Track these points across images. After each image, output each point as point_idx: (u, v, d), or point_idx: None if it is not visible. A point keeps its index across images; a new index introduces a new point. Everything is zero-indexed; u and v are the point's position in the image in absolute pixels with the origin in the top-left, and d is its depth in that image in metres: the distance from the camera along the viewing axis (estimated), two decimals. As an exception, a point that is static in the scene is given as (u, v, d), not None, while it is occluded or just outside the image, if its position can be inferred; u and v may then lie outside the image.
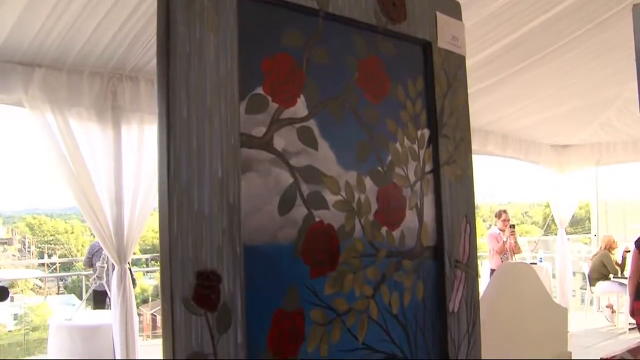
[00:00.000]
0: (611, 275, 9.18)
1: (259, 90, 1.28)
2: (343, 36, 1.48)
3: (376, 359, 1.46)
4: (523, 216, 36.26)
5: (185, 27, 1.18)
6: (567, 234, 9.32)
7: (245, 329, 1.20)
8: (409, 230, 1.55)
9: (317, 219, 1.34)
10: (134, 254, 6.84)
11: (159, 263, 1.21)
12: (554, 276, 9.53)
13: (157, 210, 1.20)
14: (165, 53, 1.16)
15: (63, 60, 4.09)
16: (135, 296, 5.03)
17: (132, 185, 4.35)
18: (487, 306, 2.16)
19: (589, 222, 13.18)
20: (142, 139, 4.41)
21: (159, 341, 1.18)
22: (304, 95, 1.36)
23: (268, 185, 1.28)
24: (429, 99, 1.65)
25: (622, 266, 9.19)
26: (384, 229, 1.49)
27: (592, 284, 9.41)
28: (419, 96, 1.63)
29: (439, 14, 1.69)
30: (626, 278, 6.88)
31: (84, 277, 9.91)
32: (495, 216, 8.78)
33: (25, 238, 37.78)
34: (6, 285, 4.85)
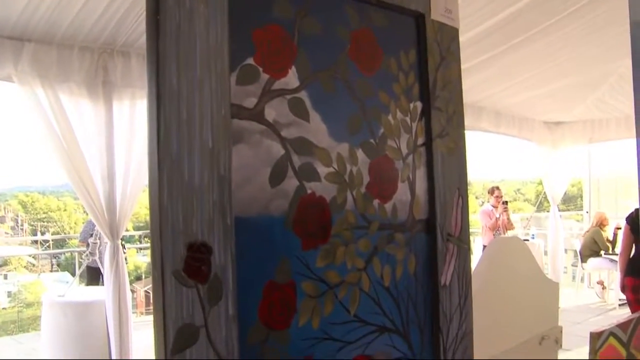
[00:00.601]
0: (602, 252, 9.23)
1: (250, 61, 1.27)
2: (335, 7, 1.46)
3: (368, 332, 1.46)
4: (515, 193, 36.38)
5: (175, -3, 1.16)
6: (559, 211, 9.35)
7: (236, 300, 1.19)
8: (401, 203, 1.54)
9: (308, 191, 1.34)
10: (127, 230, 6.83)
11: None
12: (545, 253, 9.57)
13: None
14: (154, 23, 1.14)
15: (52, 34, 4.04)
16: (129, 273, 5.04)
17: (124, 161, 4.32)
18: (478, 280, 2.16)
19: (581, 200, 13.24)
20: (134, 115, 4.38)
21: (152, 318, 1.17)
22: (295, 67, 1.35)
23: (259, 157, 1.27)
24: (422, 71, 1.64)
25: (614, 243, 9.25)
26: (375, 202, 1.48)
27: (583, 260, 9.46)
28: (411, 69, 1.62)
29: (432, -15, 1.67)
30: (617, 255, 6.93)
31: (77, 254, 9.91)
32: (488, 192, 8.79)
33: (17, 216, 37.70)
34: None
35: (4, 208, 38.57)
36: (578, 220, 14.46)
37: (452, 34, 1.74)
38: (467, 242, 1.69)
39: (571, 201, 21.46)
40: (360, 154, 1.46)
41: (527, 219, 11.90)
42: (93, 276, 7.58)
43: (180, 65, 1.16)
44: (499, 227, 8.18)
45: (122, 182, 4.31)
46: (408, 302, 1.55)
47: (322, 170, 1.37)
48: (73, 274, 7.27)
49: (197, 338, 1.15)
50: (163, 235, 1.13)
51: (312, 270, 1.34)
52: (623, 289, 5.42)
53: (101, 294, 4.64)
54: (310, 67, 1.38)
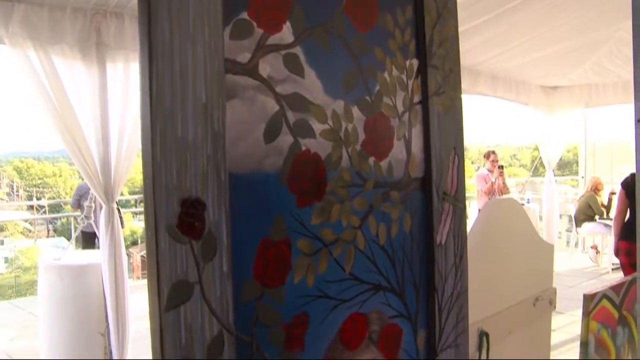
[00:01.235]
0: (597, 217, 9.27)
1: (244, 16, 1.24)
2: (331, -39, 1.43)
3: (363, 290, 1.46)
4: (511, 159, 36.42)
5: (166, -53, 1.13)
6: (554, 176, 9.36)
7: (230, 257, 1.19)
8: (396, 161, 1.53)
9: (303, 148, 1.32)
10: (122, 195, 6.83)
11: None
12: (540, 218, 9.61)
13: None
14: (146, -24, 1.12)
15: (44, -5, 3.98)
16: (125, 238, 5.04)
17: (118, 124, 4.29)
18: (474, 240, 2.16)
19: (577, 165, 13.26)
20: (128, 77, 4.34)
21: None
22: (290, 22, 1.32)
23: (253, 113, 1.25)
24: (418, 28, 1.62)
25: (608, 208, 9.29)
26: (371, 160, 1.47)
27: (577, 225, 9.51)
28: (408, 25, 1.59)
29: (429, -60, 1.63)
30: (611, 219, 6.95)
31: (73, 219, 9.92)
32: (484, 157, 8.77)
33: (13, 182, 37.64)
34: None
35: (-1, 174, 38.49)
36: (573, 186, 14.48)
37: (449, -10, 1.71)
38: (463, 201, 1.69)
39: (566, 167, 21.50)
40: (355, 111, 1.44)
41: (523, 183, 11.91)
42: (89, 240, 7.60)
43: (172, 19, 1.14)
44: (494, 191, 8.19)
45: (117, 145, 4.29)
46: (403, 260, 1.55)
47: (317, 127, 1.36)
48: (69, 239, 7.28)
49: (191, 295, 1.15)
50: (156, 191, 1.12)
51: (307, 227, 1.33)
52: (617, 253, 5.45)
53: (97, 257, 4.64)
54: (305, 22, 1.35)
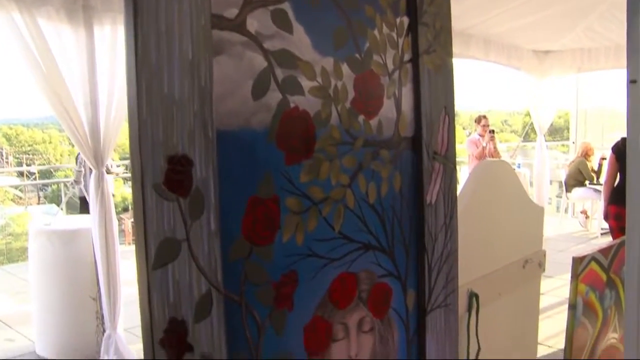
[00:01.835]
0: (587, 182, 9.30)
1: (231, -30, 1.22)
2: None
3: (352, 249, 1.45)
4: (502, 124, 36.40)
5: None
6: (545, 141, 9.36)
7: (218, 215, 1.18)
8: (386, 119, 1.52)
9: (292, 105, 1.31)
10: (113, 160, 6.80)
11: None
12: (531, 184, 9.63)
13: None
14: None
15: (28, -45, 3.90)
16: (116, 204, 5.02)
17: (107, 87, 4.23)
18: (464, 201, 2.16)
19: (568, 132, 13.25)
20: (116, 40, 4.26)
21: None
22: (278, -24, 1.30)
23: (241, 69, 1.23)
24: (409, -15, 1.59)
25: (598, 173, 9.30)
26: (361, 118, 1.45)
27: (567, 190, 9.53)
28: (398, -19, 1.57)
29: None
30: (601, 185, 6.95)
31: (63, 185, 9.89)
32: (475, 122, 8.73)
33: (2, 149, 37.39)
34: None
35: (-13, 141, 38.20)
36: (564, 152, 14.51)
37: (440, -54, 1.68)
38: (453, 161, 1.68)
39: (557, 133, 21.51)
40: (345, 68, 1.42)
41: (514, 148, 11.92)
42: (85, 206, 7.53)
43: (157, -27, 1.11)
44: (485, 156, 8.16)
45: (106, 109, 4.23)
46: (393, 219, 1.54)
47: (306, 84, 1.34)
48: (61, 209, 7.26)
49: (179, 252, 1.14)
50: (143, 148, 1.10)
51: (296, 185, 1.32)
52: (606, 217, 5.47)
53: (87, 222, 4.62)
54: (293, -23, 1.32)
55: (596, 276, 3.42)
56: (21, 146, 36.72)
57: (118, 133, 4.32)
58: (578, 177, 9.30)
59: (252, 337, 1.27)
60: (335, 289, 1.41)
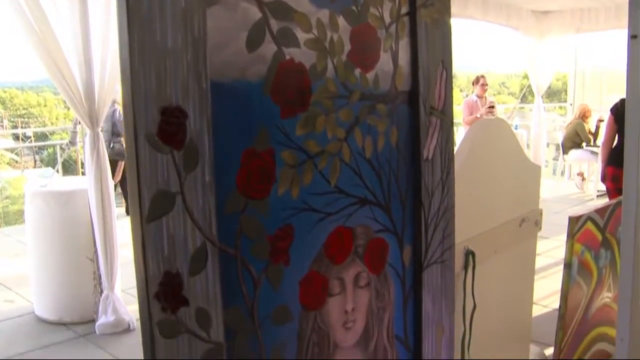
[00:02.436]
0: (584, 144, 9.29)
1: None
2: None
3: (348, 203, 1.44)
4: (500, 87, 36.24)
5: None
6: (543, 103, 9.32)
7: (213, 168, 1.16)
8: (383, 73, 1.50)
9: (287, 57, 1.28)
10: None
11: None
12: (528, 146, 9.61)
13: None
14: None
15: None
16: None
17: (101, 47, 4.18)
18: (461, 158, 2.15)
19: (566, 94, 13.19)
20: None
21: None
22: None
23: (235, 20, 1.21)
24: None
25: (595, 135, 9.28)
26: (357, 71, 1.43)
27: (564, 152, 9.52)
28: None
29: None
30: (598, 147, 6.93)
31: (59, 148, 9.85)
32: (473, 83, 8.55)
33: (-4, 112, 37.15)
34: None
35: (-19, 105, 37.92)
36: (561, 115, 14.47)
37: None
38: (451, 116, 1.66)
39: (555, 95, 21.42)
40: (341, 20, 1.39)
41: (511, 110, 11.87)
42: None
43: None
44: None
45: (100, 69, 4.19)
46: (390, 174, 1.53)
47: (302, 36, 1.31)
48: (57, 170, 7.22)
49: (173, 205, 1.13)
50: (135, 99, 1.08)
51: (292, 138, 1.30)
52: (603, 179, 5.47)
53: (83, 183, 4.61)
54: None
55: (592, 236, 3.43)
56: (16, 110, 36.47)
57: (113, 94, 4.29)
58: (575, 139, 9.28)
59: (247, 291, 1.27)
60: (332, 243, 1.41)
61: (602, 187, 5.99)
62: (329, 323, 1.44)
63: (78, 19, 4.10)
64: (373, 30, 1.47)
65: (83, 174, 7.50)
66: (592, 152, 8.88)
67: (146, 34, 1.09)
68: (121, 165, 7.11)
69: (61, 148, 9.15)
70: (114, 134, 6.98)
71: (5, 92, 37.19)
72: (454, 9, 1.71)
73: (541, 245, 3.81)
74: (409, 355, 1.68)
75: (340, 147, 1.40)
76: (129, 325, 4.46)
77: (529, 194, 2.74)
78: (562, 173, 10.40)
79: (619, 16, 7.79)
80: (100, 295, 4.51)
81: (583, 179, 9.64)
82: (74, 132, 5.14)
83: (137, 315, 1.17)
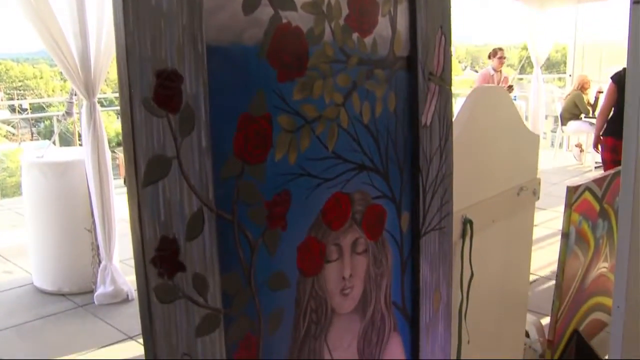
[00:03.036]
0: (582, 115, 9.27)
1: None
2: None
3: (346, 169, 1.44)
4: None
5: None
6: (542, 74, 9.28)
7: (209, 132, 1.15)
8: (381, 38, 1.48)
9: (284, 20, 1.26)
10: (104, 93, 6.72)
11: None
12: (526, 118, 9.60)
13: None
14: None
15: None
16: (110, 139, 4.98)
17: (96, 16, 4.15)
18: (460, 126, 2.13)
19: (565, 66, 13.14)
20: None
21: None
22: None
23: (231, -18, 1.19)
24: None
25: (594, 106, 9.26)
26: (355, 35, 1.41)
27: (563, 123, 9.52)
28: None
29: None
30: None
31: (55, 119, 9.82)
32: (489, 56, 8.31)
33: (-8, 84, 36.92)
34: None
35: (-23, 77, 37.65)
36: (560, 87, 14.42)
37: None
38: (449, 82, 1.64)
39: (554, 67, 21.33)
40: (338, -17, 1.37)
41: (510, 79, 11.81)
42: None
43: None
44: None
45: (96, 38, 4.16)
46: (388, 140, 1.52)
47: (299, -1, 1.29)
48: (54, 142, 7.19)
49: (169, 170, 1.12)
50: (130, 63, 1.07)
51: (289, 103, 1.29)
52: (599, 148, 5.44)
53: (80, 154, 4.60)
54: None
55: (590, 206, 3.44)
56: (11, 82, 36.24)
57: (109, 63, 4.26)
58: (574, 110, 9.26)
59: (244, 257, 1.26)
60: (329, 209, 1.40)
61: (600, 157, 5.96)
62: (327, 289, 1.44)
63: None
64: (371, -6, 1.45)
65: (80, 146, 7.51)
66: (591, 124, 8.86)
67: (140, -5, 1.07)
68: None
69: (58, 120, 9.10)
70: None
71: (0, 63, 36.95)
72: (453, -22, 1.69)
73: (539, 217, 3.81)
74: (406, 322, 1.68)
75: (338, 112, 1.39)
76: (128, 295, 4.49)
77: (527, 163, 2.73)
78: (561, 145, 10.40)
79: (621, -14, 7.72)
80: (99, 265, 4.52)
81: (581, 151, 9.64)
82: (70, 103, 5.10)
83: (136, 285, 1.17)
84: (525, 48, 9.74)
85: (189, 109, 1.12)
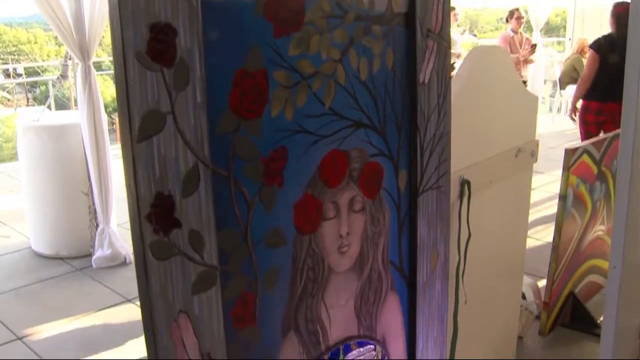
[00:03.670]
0: (581, 79, 9.21)
1: None
2: None
3: (343, 126, 1.42)
4: (498, 22, 35.77)
5: None
6: (541, 37, 9.20)
7: (204, 87, 1.14)
8: (379, -7, 1.45)
9: (279, -26, 1.24)
10: (98, 56, 6.66)
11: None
12: (525, 82, 9.53)
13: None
14: None
15: None
16: (106, 105, 4.94)
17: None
18: (458, 85, 2.12)
19: (564, 30, 13.03)
20: None
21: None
22: None
23: None
24: None
25: (593, 70, 9.19)
26: (352, -10, 1.39)
27: (562, 87, 9.46)
28: None
29: None
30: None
31: (50, 84, 9.75)
32: (507, 19, 7.99)
33: (-16, 49, 36.56)
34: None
35: (-30, 41, 37.25)
36: (560, 51, 14.31)
37: None
38: (448, 40, 1.62)
39: (554, 31, 21.14)
40: (336, -64, 1.34)
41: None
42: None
43: None
44: (518, 63, 7.23)
45: (90, 0, 4.11)
46: (385, 97, 1.50)
47: (295, -49, 1.27)
48: (49, 107, 7.14)
49: (164, 125, 1.11)
50: (123, 15, 1.05)
51: (285, 58, 1.27)
52: (574, 111, 5.37)
53: (76, 117, 4.56)
54: None
55: (587, 168, 3.43)
56: (5, 47, 35.87)
57: (103, 25, 4.20)
58: (573, 74, 9.19)
59: (241, 214, 1.26)
60: (326, 166, 1.39)
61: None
62: (324, 247, 1.44)
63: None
64: (368, -53, 1.42)
65: (76, 110, 7.47)
66: (590, 88, 8.81)
67: (132, -55, 1.05)
68: None
69: (53, 84, 9.03)
70: None
71: (-7, 28, 36.55)
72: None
73: (536, 180, 3.81)
74: (404, 281, 1.68)
75: (335, 68, 1.37)
76: (125, 258, 4.50)
77: (526, 124, 2.71)
78: (559, 109, 10.35)
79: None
80: (96, 229, 4.52)
81: (580, 115, 9.59)
82: (65, 65, 5.04)
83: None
84: (525, 11, 9.63)
85: (183, 64, 1.11)
